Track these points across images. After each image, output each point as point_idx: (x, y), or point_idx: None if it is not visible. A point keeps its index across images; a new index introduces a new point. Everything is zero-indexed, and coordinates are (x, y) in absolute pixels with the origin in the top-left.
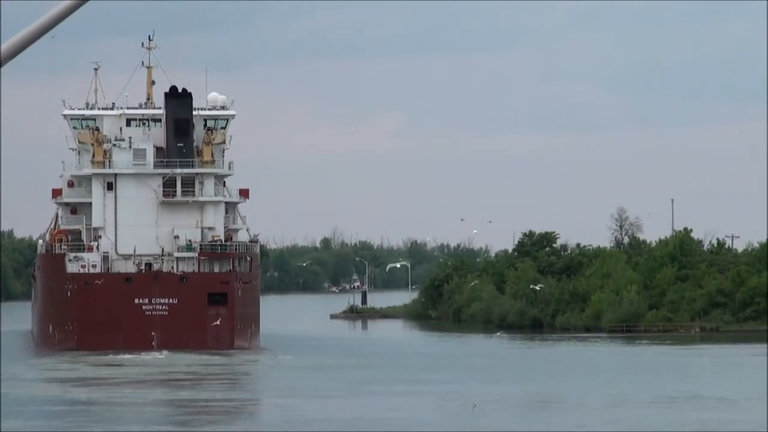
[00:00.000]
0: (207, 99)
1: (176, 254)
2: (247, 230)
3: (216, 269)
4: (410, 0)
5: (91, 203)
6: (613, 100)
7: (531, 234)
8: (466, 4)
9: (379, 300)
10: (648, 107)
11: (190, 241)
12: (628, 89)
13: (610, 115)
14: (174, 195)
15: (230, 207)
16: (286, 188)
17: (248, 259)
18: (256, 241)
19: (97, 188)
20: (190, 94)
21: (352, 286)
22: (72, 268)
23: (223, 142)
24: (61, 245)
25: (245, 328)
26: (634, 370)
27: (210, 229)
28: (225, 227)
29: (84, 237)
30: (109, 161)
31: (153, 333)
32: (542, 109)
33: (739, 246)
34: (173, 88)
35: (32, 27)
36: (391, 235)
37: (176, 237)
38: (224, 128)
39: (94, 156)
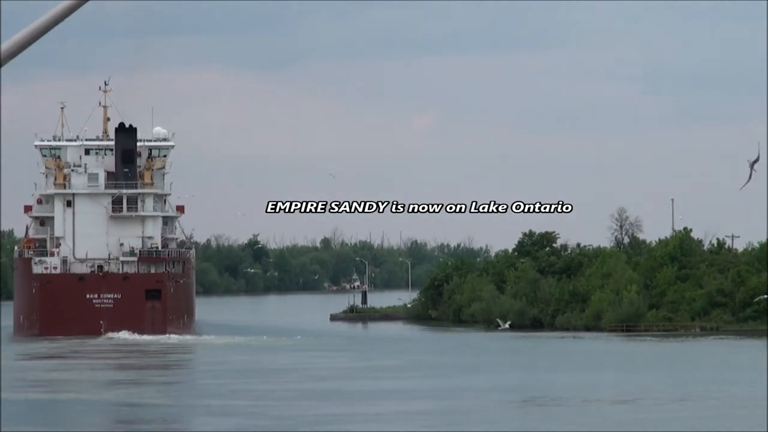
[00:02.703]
0: (152, 132)
1: (121, 258)
2: (185, 237)
3: (153, 270)
4: (435, 0)
5: (54, 217)
6: (614, 101)
7: (531, 234)
8: (497, 4)
9: (379, 300)
10: (648, 108)
11: (132, 248)
12: (628, 90)
13: (612, 115)
14: (121, 210)
15: (169, 220)
16: (289, 187)
17: (182, 262)
18: (191, 248)
19: (58, 205)
20: (135, 129)
21: (352, 286)
22: (37, 269)
23: (163, 167)
24: (29, 251)
25: (177, 318)
26: (629, 366)
27: (149, 238)
28: (162, 236)
29: (48, 244)
30: (68, 183)
31: (101, 321)
32: (542, 109)
33: (739, 246)
34: (122, 124)
35: (32, 27)
36: (391, 235)
37: (122, 244)
38: (165, 156)
39: (56, 179)
